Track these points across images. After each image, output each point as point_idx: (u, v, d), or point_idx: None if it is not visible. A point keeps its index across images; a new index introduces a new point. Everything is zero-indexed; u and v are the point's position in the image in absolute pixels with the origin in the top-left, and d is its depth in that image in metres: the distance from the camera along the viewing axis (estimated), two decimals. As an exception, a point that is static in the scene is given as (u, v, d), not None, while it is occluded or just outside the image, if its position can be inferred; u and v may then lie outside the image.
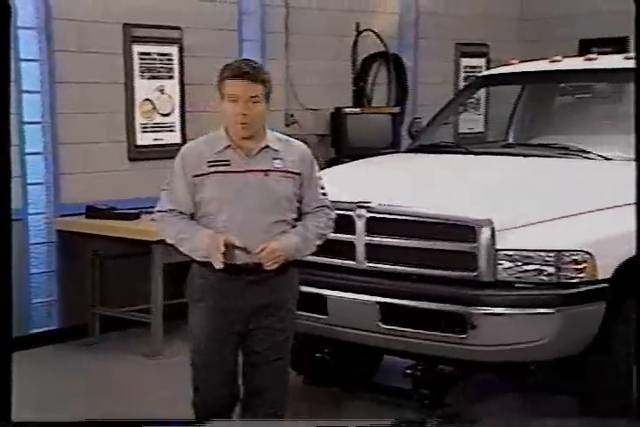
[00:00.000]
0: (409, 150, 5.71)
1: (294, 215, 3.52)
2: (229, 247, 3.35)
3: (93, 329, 5.99)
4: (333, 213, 3.63)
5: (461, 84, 8.07)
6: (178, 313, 5.64)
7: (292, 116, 7.11)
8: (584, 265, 3.87)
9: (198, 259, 3.48)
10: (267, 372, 3.56)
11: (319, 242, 3.57)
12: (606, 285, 3.95)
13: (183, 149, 3.63)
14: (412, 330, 4.01)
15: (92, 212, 5.86)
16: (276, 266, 3.41)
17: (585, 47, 7.56)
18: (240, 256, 3.41)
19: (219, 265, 3.36)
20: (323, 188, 3.61)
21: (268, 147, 3.46)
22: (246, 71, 3.37)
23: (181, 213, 3.49)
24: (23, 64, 5.53)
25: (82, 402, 4.94)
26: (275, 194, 3.44)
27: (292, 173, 3.48)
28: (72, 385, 5.22)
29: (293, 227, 3.50)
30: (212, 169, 3.42)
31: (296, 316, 3.65)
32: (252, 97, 3.37)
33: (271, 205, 3.43)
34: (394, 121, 7.68)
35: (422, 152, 5.45)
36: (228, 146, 3.44)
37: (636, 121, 2.58)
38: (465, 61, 8.42)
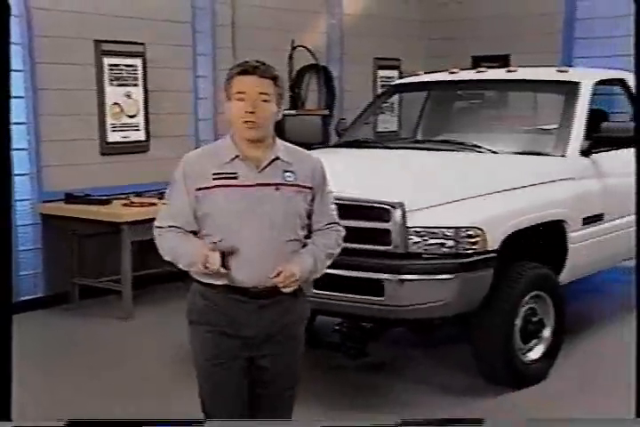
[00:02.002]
0: (336, 145, 5.72)
1: (305, 232, 2.73)
2: (225, 258, 2.56)
3: (73, 296, 5.93)
4: (343, 230, 2.83)
5: (378, 91, 8.09)
6: (144, 282, 5.68)
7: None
8: (477, 239, 3.93)
9: (200, 279, 2.67)
10: (274, 401, 2.78)
11: (329, 262, 2.78)
12: (494, 254, 4.02)
13: (185, 158, 2.70)
14: (339, 294, 4.02)
15: (70, 198, 5.81)
16: (291, 290, 2.63)
17: (476, 62, 7.65)
18: (253, 278, 2.61)
19: (221, 278, 2.60)
20: (332, 203, 2.82)
21: (278, 158, 2.64)
22: (256, 66, 2.57)
23: (180, 228, 2.67)
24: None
25: (65, 357, 4.90)
26: (287, 210, 2.63)
27: (305, 187, 2.66)
28: (56, 343, 5.17)
29: (304, 245, 2.71)
30: (218, 182, 2.59)
31: (303, 343, 2.84)
32: (262, 93, 2.55)
33: (283, 223, 2.62)
34: (324, 121, 7.71)
35: (347, 147, 5.47)
36: (236, 156, 2.61)
37: (636, 120, 2.48)
38: (381, 73, 8.46)
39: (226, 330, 2.64)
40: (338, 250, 2.81)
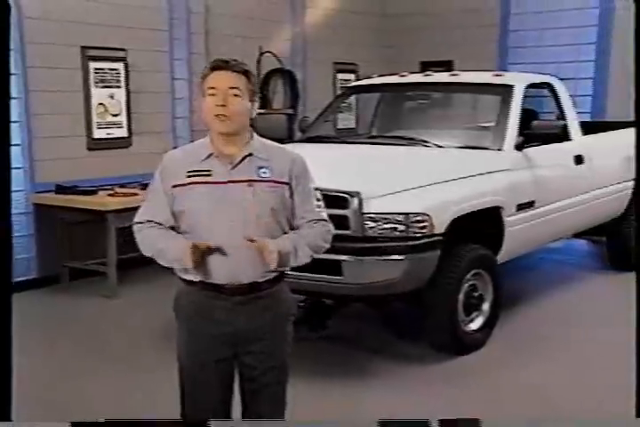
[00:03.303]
0: (300, 141, 5.67)
1: (286, 230, 2.42)
2: (202, 251, 2.31)
3: (64, 278, 5.86)
4: (331, 226, 2.52)
5: (337, 92, 8.04)
6: (127, 265, 5.60)
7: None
8: (425, 224, 3.93)
9: (183, 276, 2.44)
10: (263, 398, 2.49)
11: (314, 254, 2.46)
12: (440, 237, 4.02)
13: (164, 157, 2.47)
14: (302, 274, 3.94)
15: (60, 189, 5.71)
16: (275, 263, 2.30)
17: (424, 67, 7.64)
18: (226, 275, 2.35)
19: (189, 265, 2.31)
20: (319, 199, 2.50)
21: (252, 155, 2.37)
22: (227, 61, 2.37)
23: (159, 224, 2.43)
24: (3, 76, 5.31)
25: (58, 330, 4.84)
26: (261, 207, 2.34)
27: (280, 182, 2.38)
28: (49, 319, 5.10)
29: None
30: (191, 179, 2.35)
31: (291, 335, 2.54)
32: (232, 88, 2.32)
33: (258, 220, 2.34)
34: (289, 119, 7.65)
35: (310, 142, 5.41)
36: (211, 154, 2.37)
37: (637, 118, 2.42)
38: (340, 76, 8.42)
39: (208, 330, 2.39)
40: (325, 245, 2.49)
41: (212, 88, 2.34)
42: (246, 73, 2.37)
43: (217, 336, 2.39)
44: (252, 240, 2.29)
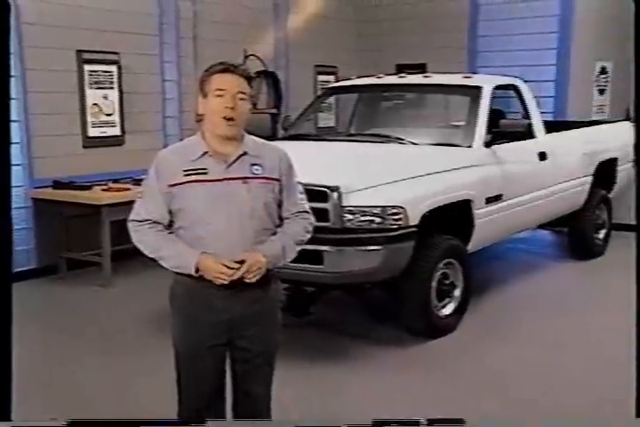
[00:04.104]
0: (282, 139, 5.65)
1: (275, 221, 2.43)
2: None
3: (61, 268, 5.80)
4: (312, 218, 2.53)
5: (318, 92, 8.01)
6: (121, 256, 5.56)
7: (200, 115, 6.91)
8: (400, 216, 3.94)
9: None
10: (255, 378, 2.48)
11: (299, 248, 2.48)
12: (415, 229, 4.03)
13: (158, 156, 2.40)
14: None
15: (57, 184, 5.66)
16: (256, 279, 2.32)
17: (399, 69, 7.63)
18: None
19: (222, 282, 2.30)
20: (301, 192, 2.52)
21: (246, 153, 2.35)
22: (236, 66, 2.33)
23: (157, 222, 2.38)
24: (2, 78, 5.25)
25: (56, 318, 4.80)
26: (255, 202, 2.33)
27: (272, 179, 2.38)
28: (47, 307, 5.07)
29: (274, 234, 2.41)
30: (189, 178, 2.30)
31: (280, 323, 2.53)
32: (241, 92, 2.29)
33: (252, 214, 2.33)
34: (272, 118, 7.62)
35: (292, 140, 5.40)
36: (205, 152, 2.33)
37: (637, 118, 2.34)
38: (320, 77, 8.40)
39: (205, 318, 2.35)
40: (307, 236, 2.50)
41: (222, 89, 2.29)
42: (250, 78, 2.36)
43: (215, 324, 2.36)
44: (241, 262, 2.28)
